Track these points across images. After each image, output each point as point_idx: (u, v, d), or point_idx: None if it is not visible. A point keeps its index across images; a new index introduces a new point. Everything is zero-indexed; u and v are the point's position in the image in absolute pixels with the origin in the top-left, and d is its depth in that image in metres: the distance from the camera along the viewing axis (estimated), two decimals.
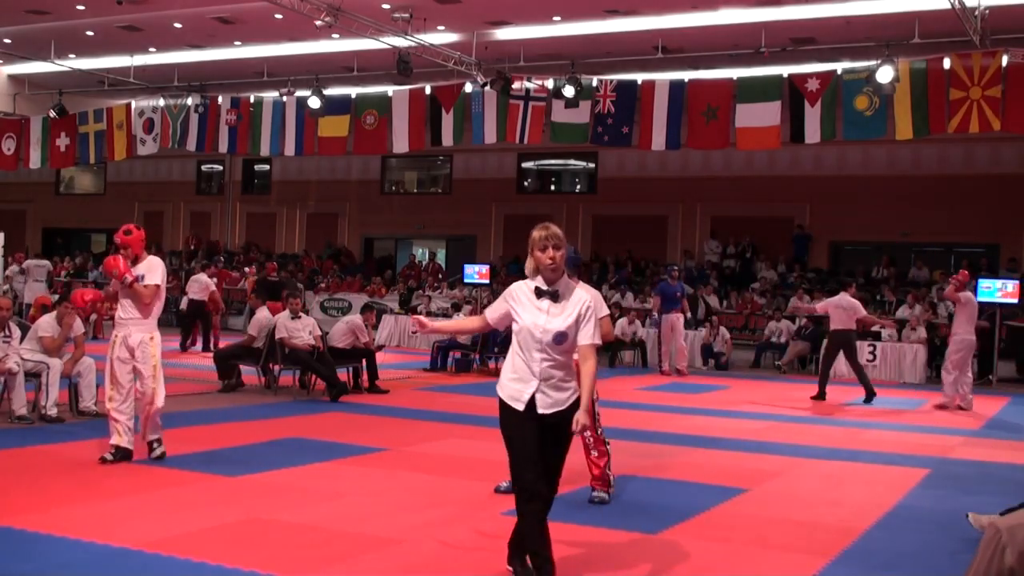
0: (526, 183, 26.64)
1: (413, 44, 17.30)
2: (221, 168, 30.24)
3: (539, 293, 4.65)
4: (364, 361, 12.41)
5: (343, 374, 11.92)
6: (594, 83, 17.59)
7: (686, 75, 17.71)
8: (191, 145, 21.25)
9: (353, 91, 20.37)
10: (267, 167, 29.24)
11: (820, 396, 13.09)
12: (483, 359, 15.57)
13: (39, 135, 22.87)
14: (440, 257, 28.03)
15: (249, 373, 12.06)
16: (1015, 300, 16.22)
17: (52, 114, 22.06)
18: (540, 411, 4.55)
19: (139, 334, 7.24)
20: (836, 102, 15.95)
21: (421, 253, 28.01)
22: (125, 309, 7.27)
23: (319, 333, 11.93)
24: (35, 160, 23.15)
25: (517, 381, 4.61)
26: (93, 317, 18.08)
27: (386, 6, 16.69)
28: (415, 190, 28.66)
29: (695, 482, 7.43)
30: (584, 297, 4.72)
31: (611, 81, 17.58)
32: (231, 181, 29.96)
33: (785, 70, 16.62)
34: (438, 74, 18.94)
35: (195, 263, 23.02)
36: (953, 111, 15.07)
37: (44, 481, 6.63)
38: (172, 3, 17.53)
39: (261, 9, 16.66)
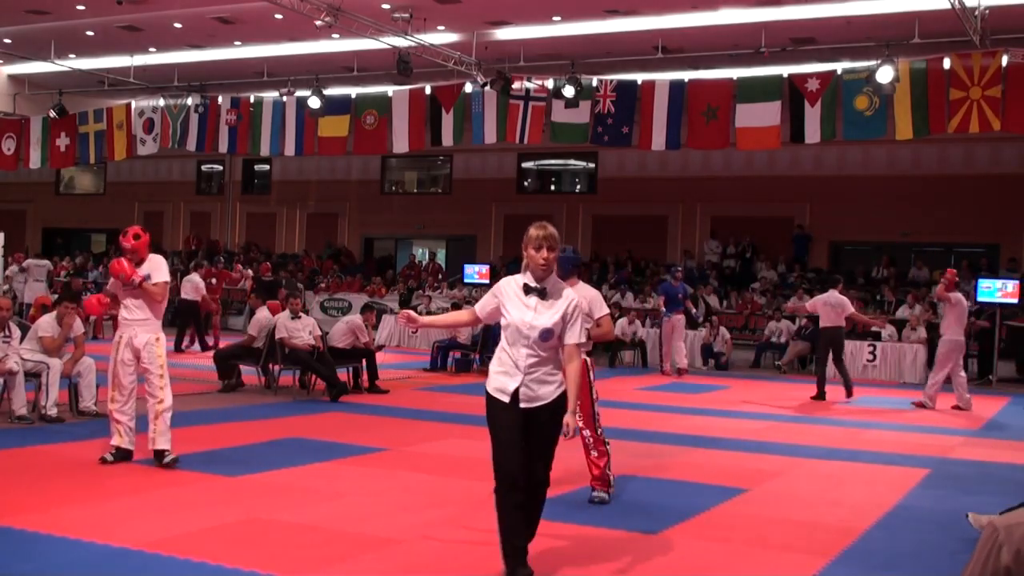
0: (526, 183, 26.64)
1: (413, 44, 17.30)
2: (221, 168, 30.25)
3: (527, 290, 4.73)
4: (364, 361, 12.42)
5: (343, 374, 11.93)
6: (594, 83, 17.59)
7: (686, 75, 17.70)
8: (191, 145, 21.25)
9: (353, 91, 20.37)
10: (267, 167, 29.24)
11: (820, 396, 13.11)
12: (483, 359, 15.57)
13: (39, 135, 22.87)
14: (440, 257, 28.04)
15: (249, 373, 12.06)
16: (1015, 300, 16.23)
17: (52, 114, 22.06)
18: (523, 405, 4.65)
19: (145, 335, 7.23)
20: (836, 102, 15.95)
21: (421, 253, 28.01)
22: (130, 311, 7.26)
23: (319, 333, 11.93)
24: (35, 160, 23.16)
25: (503, 374, 4.72)
26: (93, 317, 18.10)
27: (386, 6, 16.69)
28: (415, 190, 28.67)
29: (695, 482, 7.43)
30: (572, 296, 4.80)
31: (611, 81, 17.58)
32: (231, 181, 29.97)
33: (785, 70, 16.62)
34: (438, 74, 18.94)
35: (194, 263, 23.02)
36: (953, 111, 15.07)
37: (44, 481, 6.63)
38: (172, 3, 17.53)
39: (261, 9, 16.66)
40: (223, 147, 21.24)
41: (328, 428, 9.45)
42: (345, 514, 6.06)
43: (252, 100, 20.65)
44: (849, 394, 13.32)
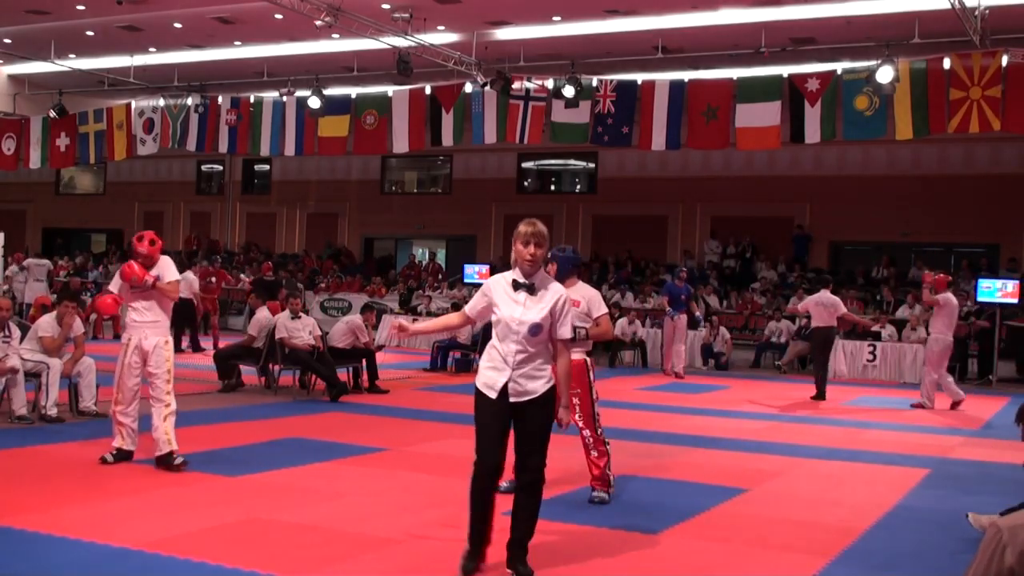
0: (526, 183, 26.65)
1: (413, 44, 17.30)
2: (221, 168, 30.25)
3: (516, 286, 4.85)
4: (364, 361, 12.42)
5: (343, 374, 11.92)
6: (594, 83, 17.59)
7: (686, 75, 17.70)
8: (191, 145, 21.24)
9: (353, 91, 20.37)
10: (267, 167, 29.25)
11: (820, 396, 13.11)
12: None
13: (39, 135, 22.87)
14: (440, 257, 28.04)
15: (249, 373, 12.06)
16: (1015, 300, 16.23)
17: (52, 114, 22.06)
18: (511, 399, 4.76)
19: (155, 337, 7.24)
20: (836, 102, 15.95)
21: (421, 253, 28.02)
22: (140, 312, 7.25)
23: (319, 333, 11.93)
24: (35, 160, 23.15)
25: (492, 370, 4.83)
26: (93, 317, 18.09)
27: (386, 6, 16.69)
28: (415, 190, 28.67)
29: (695, 482, 7.43)
30: (560, 291, 4.91)
31: (611, 81, 17.58)
32: (231, 181, 29.97)
33: (785, 70, 16.62)
34: (438, 74, 18.94)
35: (194, 263, 23.02)
36: (953, 111, 15.07)
37: (44, 481, 6.63)
38: (172, 3, 17.53)
39: (261, 9, 16.66)
40: (223, 147, 21.23)
41: (328, 428, 9.45)
42: (345, 514, 6.06)
43: (252, 100, 20.64)
44: (818, 396, 13.16)
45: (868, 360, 16.63)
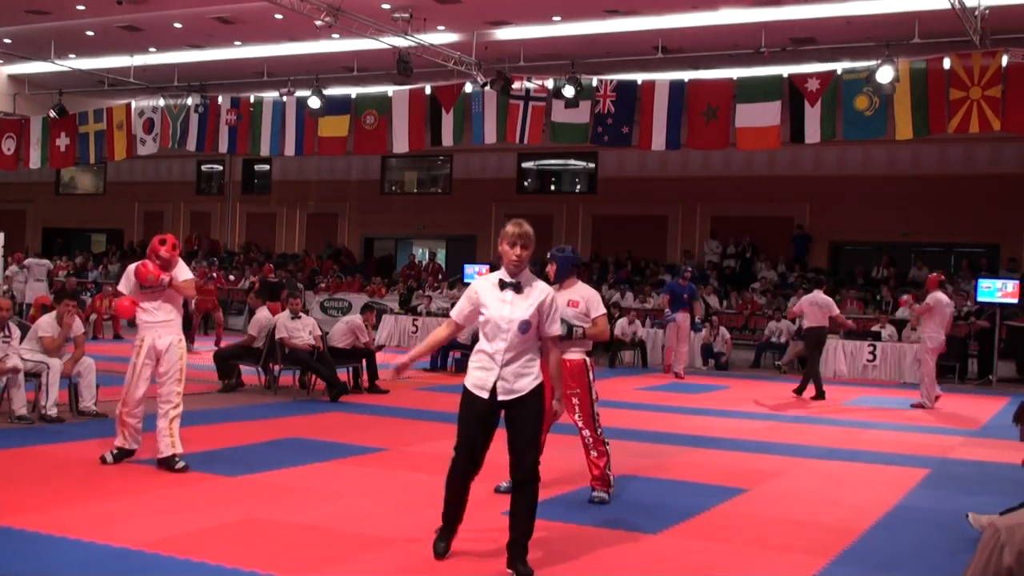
0: (526, 183, 26.65)
1: (413, 44, 17.30)
2: (221, 168, 30.25)
3: (503, 285, 4.93)
4: (364, 361, 12.42)
5: (343, 374, 11.92)
6: (594, 83, 17.60)
7: (686, 75, 17.71)
8: (191, 145, 21.25)
9: (353, 91, 20.37)
10: (267, 167, 29.25)
11: (819, 396, 13.13)
12: None
13: (39, 135, 22.88)
14: (440, 257, 28.04)
15: (249, 373, 12.05)
16: (1015, 300, 16.23)
17: (52, 114, 22.07)
18: (500, 398, 4.84)
19: (168, 336, 7.23)
20: (836, 102, 15.95)
21: (421, 253, 28.02)
22: (151, 313, 7.23)
23: (319, 333, 11.92)
24: (35, 160, 23.16)
25: (481, 369, 4.91)
26: (93, 317, 18.11)
27: (386, 6, 16.69)
28: (415, 190, 28.67)
29: (695, 482, 7.43)
30: (547, 289, 5.00)
31: (611, 81, 17.58)
32: (231, 181, 29.97)
33: (785, 70, 16.63)
34: (438, 74, 18.94)
35: (194, 263, 23.02)
36: (953, 111, 15.08)
37: (44, 481, 6.63)
38: (172, 3, 17.54)
39: (261, 9, 16.67)
40: (223, 147, 21.24)
41: (328, 428, 9.45)
42: (345, 514, 6.06)
43: (252, 100, 20.65)
44: (800, 393, 13.31)
45: (868, 360, 16.64)
